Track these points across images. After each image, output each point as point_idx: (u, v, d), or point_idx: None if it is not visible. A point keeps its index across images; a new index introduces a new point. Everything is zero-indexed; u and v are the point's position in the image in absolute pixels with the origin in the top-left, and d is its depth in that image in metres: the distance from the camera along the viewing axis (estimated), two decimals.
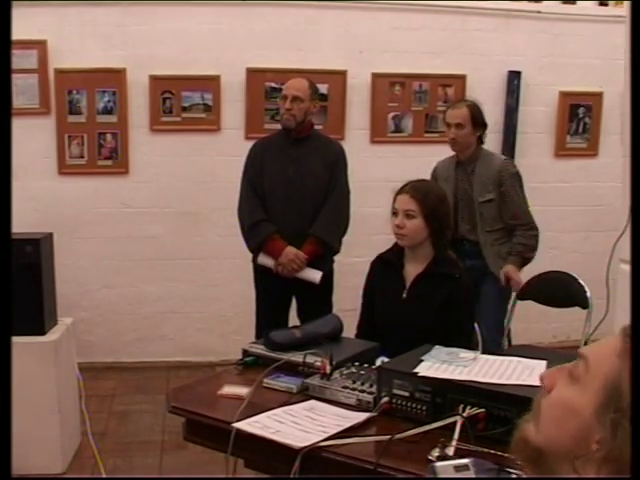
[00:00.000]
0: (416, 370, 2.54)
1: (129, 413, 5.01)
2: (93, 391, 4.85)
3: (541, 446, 1.18)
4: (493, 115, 6.04)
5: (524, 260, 4.46)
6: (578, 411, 1.13)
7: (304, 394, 2.73)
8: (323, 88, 5.69)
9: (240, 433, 2.43)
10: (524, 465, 1.24)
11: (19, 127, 5.36)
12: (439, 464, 1.96)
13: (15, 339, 3.98)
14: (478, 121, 4.53)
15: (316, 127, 4.81)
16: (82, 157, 5.72)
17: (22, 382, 4.00)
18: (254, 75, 5.75)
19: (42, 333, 4.11)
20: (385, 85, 5.93)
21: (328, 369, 2.77)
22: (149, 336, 5.94)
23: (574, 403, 1.15)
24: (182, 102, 5.73)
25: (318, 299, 4.51)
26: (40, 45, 5.56)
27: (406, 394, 2.50)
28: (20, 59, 5.51)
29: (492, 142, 6.05)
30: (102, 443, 4.44)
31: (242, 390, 2.74)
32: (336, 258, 4.65)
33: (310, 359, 2.89)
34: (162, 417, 4.69)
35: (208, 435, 2.66)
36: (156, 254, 5.87)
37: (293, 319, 4.63)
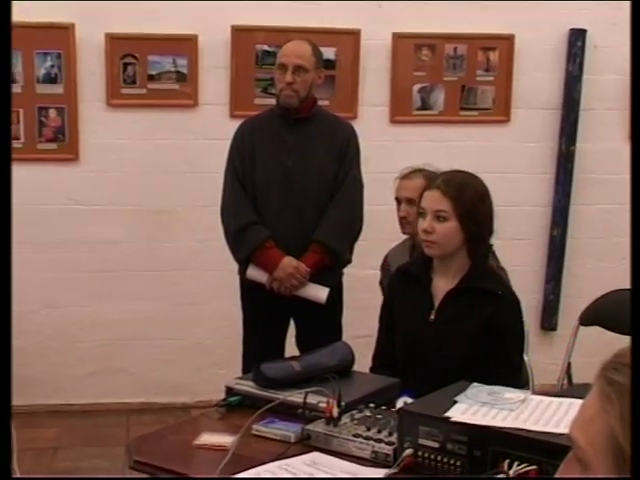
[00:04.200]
0: (448, 414, 2.55)
1: (76, 471, 5.03)
2: (29, 443, 4.88)
3: None
4: (550, 86, 6.09)
5: None
6: None
7: (304, 444, 2.75)
8: (329, 53, 5.72)
9: None
10: None
11: None
12: None
13: None
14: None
15: (320, 103, 4.85)
16: (17, 139, 5.74)
17: None
18: (241, 35, 5.78)
19: None
20: (410, 48, 5.96)
21: (335, 412, 2.79)
22: (105, 370, 5.97)
23: None
24: (149, 69, 5.76)
25: (323, 323, 4.53)
26: None
27: (435, 445, 2.52)
28: None
29: (549, 121, 6.10)
30: None
31: (225, 439, 2.76)
32: (346, 270, 4.68)
33: (312, 399, 2.91)
34: (120, 475, 4.71)
35: None
36: (115, 264, 5.90)
37: (291, 348, 4.67)
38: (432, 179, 3.45)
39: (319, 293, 4.47)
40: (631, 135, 2.35)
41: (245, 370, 4.44)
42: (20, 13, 5.54)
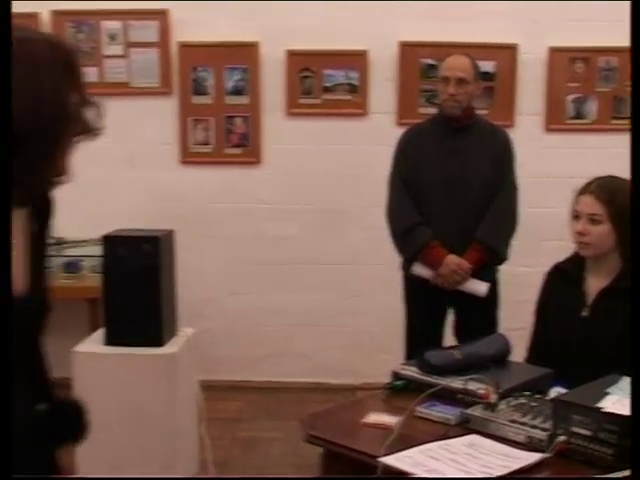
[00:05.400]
0: (600, 405, 2.49)
1: (256, 441, 5.14)
2: (215, 413, 4.98)
3: None
4: None
5: None
6: None
7: (463, 427, 2.71)
8: (489, 65, 5.67)
9: (388, 469, 2.44)
10: None
11: (137, 109, 5.60)
12: None
13: (128, 350, 4.19)
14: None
15: (480, 112, 4.81)
16: (207, 144, 5.90)
17: (135, 399, 4.16)
18: (408, 50, 5.78)
19: (159, 344, 4.25)
20: (564, 61, 5.84)
21: (493, 398, 2.75)
22: (282, 352, 6.07)
23: None
24: (323, 81, 5.83)
25: (481, 315, 4.49)
26: (161, 15, 5.80)
27: (588, 433, 2.45)
28: (139, 31, 5.76)
29: None
30: (222, 474, 4.56)
31: (390, 419, 2.76)
32: (501, 267, 4.62)
33: (472, 386, 2.88)
34: (293, 447, 4.77)
35: (348, 470, 2.68)
36: (292, 257, 5.99)
37: (447, 337, 4.65)
38: (586, 184, 3.37)
39: (480, 287, 4.44)
40: (631, 134, 2.25)
41: (408, 356, 4.44)
42: (212, 34, 5.72)
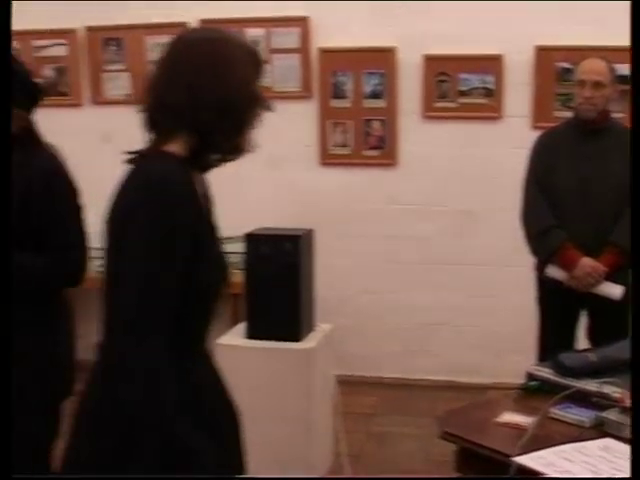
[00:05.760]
0: None
1: (389, 436, 5.15)
2: (349, 408, 5.01)
3: None
4: None
5: None
6: None
7: (598, 430, 2.67)
8: (626, 68, 5.52)
9: (522, 469, 2.42)
10: None
11: (279, 112, 5.63)
12: None
13: (268, 344, 4.27)
14: None
15: (617, 116, 4.72)
16: (346, 146, 5.95)
17: (273, 391, 4.24)
18: (544, 54, 5.69)
19: (297, 339, 4.32)
20: None
21: (629, 403, 2.70)
22: (415, 350, 6.07)
23: None
24: (459, 85, 5.80)
25: (615, 318, 4.38)
26: (302, 22, 5.89)
27: None
28: (280, 38, 5.87)
29: None
30: (356, 467, 4.59)
31: (523, 419, 2.73)
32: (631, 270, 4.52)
33: (607, 389, 2.82)
34: (426, 443, 4.76)
35: (481, 468, 2.67)
36: (426, 257, 5.99)
37: (580, 340, 4.57)
38: None
39: (614, 290, 4.34)
40: (632, 132, 2.15)
41: (540, 357, 4.38)
42: (351, 39, 5.79)
